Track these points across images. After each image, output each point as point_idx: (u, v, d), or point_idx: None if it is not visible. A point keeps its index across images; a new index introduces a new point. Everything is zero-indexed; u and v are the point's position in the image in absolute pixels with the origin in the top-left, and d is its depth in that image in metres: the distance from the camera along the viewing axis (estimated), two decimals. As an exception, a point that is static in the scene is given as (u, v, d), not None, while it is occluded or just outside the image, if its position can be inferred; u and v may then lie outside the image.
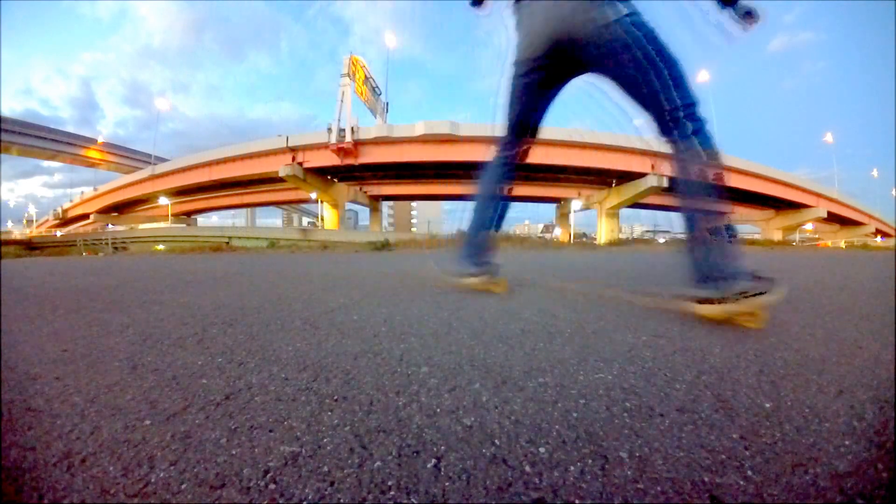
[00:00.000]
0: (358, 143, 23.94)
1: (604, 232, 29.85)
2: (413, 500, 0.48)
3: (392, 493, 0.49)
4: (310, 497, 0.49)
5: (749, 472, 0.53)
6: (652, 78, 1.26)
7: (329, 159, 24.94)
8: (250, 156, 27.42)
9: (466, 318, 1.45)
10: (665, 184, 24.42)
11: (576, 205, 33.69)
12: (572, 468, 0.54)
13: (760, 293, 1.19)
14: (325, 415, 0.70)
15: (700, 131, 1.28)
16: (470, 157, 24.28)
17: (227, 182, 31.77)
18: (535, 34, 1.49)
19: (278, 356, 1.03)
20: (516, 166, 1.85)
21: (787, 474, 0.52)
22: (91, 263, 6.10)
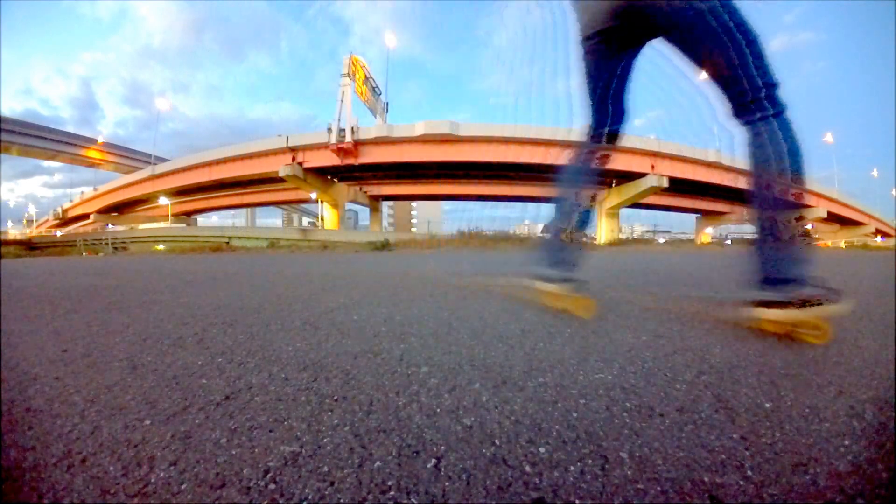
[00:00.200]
0: (358, 143, 23.94)
1: (604, 232, 29.85)
2: (413, 500, 0.48)
3: (392, 493, 0.49)
4: (310, 497, 0.49)
5: (749, 472, 0.53)
6: (729, 53, 1.13)
7: (329, 159, 24.93)
8: (250, 156, 27.42)
9: (466, 318, 1.45)
10: (665, 184, 24.45)
11: (576, 205, 33.62)
12: (572, 468, 0.54)
13: (826, 303, 1.08)
14: (325, 415, 0.70)
15: (780, 115, 1.15)
16: (470, 157, 24.28)
17: (227, 182, 31.77)
18: (599, 5, 1.36)
19: (278, 356, 1.03)
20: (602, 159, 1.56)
21: (787, 474, 0.52)
22: (91, 263, 6.10)
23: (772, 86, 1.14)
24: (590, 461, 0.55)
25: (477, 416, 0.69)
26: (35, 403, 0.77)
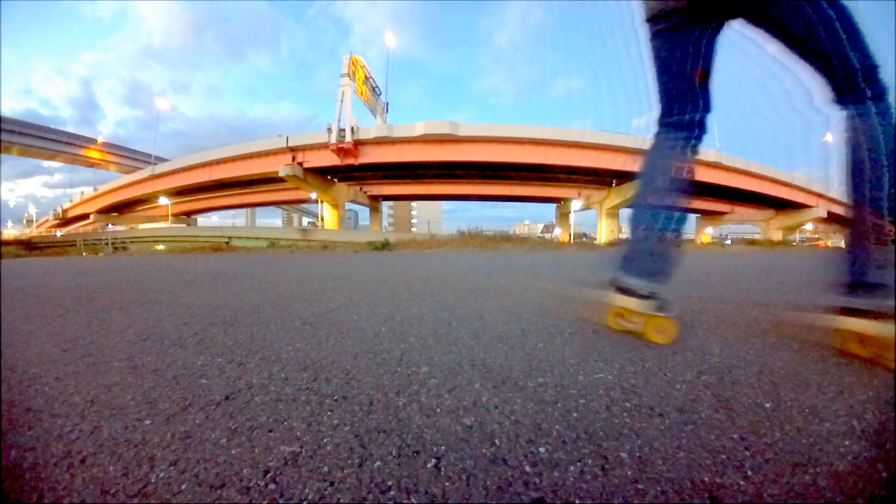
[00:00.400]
0: (358, 143, 23.93)
1: (604, 232, 29.86)
2: (413, 500, 0.48)
3: (392, 493, 0.49)
4: (310, 497, 0.49)
5: (749, 472, 0.53)
6: (821, 33, 1.02)
7: (329, 159, 24.93)
8: (250, 156, 27.42)
9: (466, 318, 1.45)
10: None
11: (576, 205, 33.70)
12: (572, 468, 0.54)
13: None
14: (325, 415, 0.70)
15: (882, 100, 1.04)
16: (470, 157, 24.28)
17: (227, 182, 31.77)
18: None
19: (278, 356, 1.03)
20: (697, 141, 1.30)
21: (787, 474, 0.52)
22: (91, 263, 6.10)
23: (871, 68, 1.03)
24: (590, 461, 0.55)
25: (477, 416, 0.69)
26: (35, 403, 0.77)
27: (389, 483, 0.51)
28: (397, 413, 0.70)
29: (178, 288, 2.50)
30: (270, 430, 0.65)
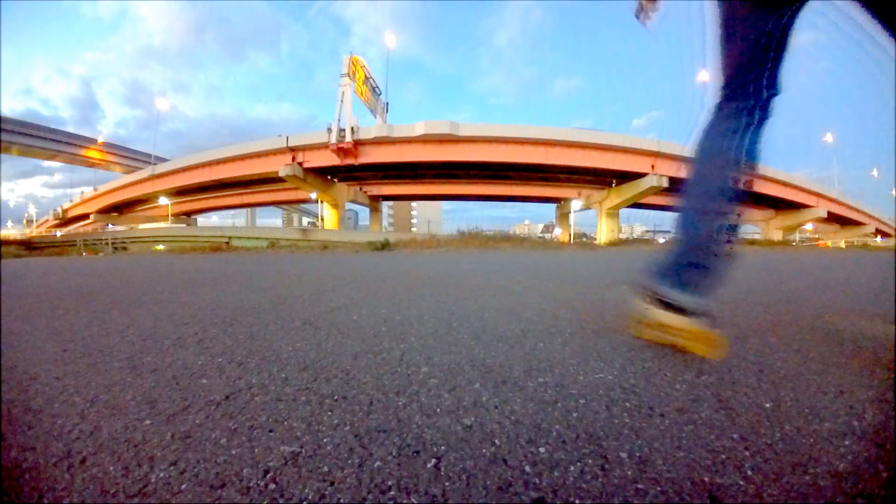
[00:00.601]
0: (358, 143, 23.93)
1: (604, 232, 29.86)
2: (413, 500, 0.48)
3: (392, 493, 0.49)
4: (310, 497, 0.49)
5: (749, 472, 0.53)
6: None
7: (329, 159, 24.92)
8: (250, 156, 27.42)
9: (466, 318, 1.45)
10: (665, 184, 24.45)
11: (576, 205, 33.69)
12: (572, 468, 0.54)
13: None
14: (325, 415, 0.70)
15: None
16: (470, 157, 24.27)
17: (227, 182, 31.76)
18: None
19: (278, 356, 1.03)
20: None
21: (787, 474, 0.52)
22: (91, 263, 6.10)
23: None
24: (590, 461, 0.55)
25: (477, 416, 0.69)
26: (35, 403, 0.77)
27: (389, 483, 0.51)
28: (397, 413, 0.70)
29: (178, 288, 2.50)
30: (270, 430, 0.65)
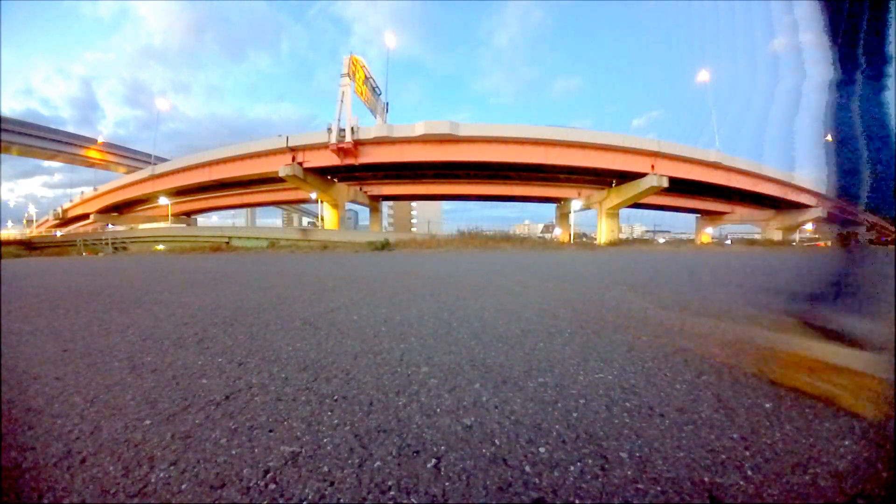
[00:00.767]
0: (358, 143, 23.91)
1: (604, 232, 29.86)
2: (413, 500, 0.48)
3: (392, 493, 0.49)
4: (310, 497, 0.49)
5: (749, 472, 0.53)
6: None
7: (329, 159, 24.91)
8: (250, 156, 27.41)
9: (466, 318, 1.45)
10: (665, 184, 24.46)
11: (576, 205, 33.68)
12: (572, 468, 0.54)
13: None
14: (325, 415, 0.70)
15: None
16: (470, 157, 24.26)
17: (227, 182, 31.74)
18: None
19: (278, 356, 1.03)
20: None
21: (787, 474, 0.52)
22: (91, 263, 6.10)
23: None
24: (590, 461, 0.55)
25: (477, 416, 0.69)
26: (35, 403, 0.77)
27: (389, 483, 0.51)
28: (397, 413, 0.70)
29: (178, 288, 2.50)
30: (270, 430, 0.65)
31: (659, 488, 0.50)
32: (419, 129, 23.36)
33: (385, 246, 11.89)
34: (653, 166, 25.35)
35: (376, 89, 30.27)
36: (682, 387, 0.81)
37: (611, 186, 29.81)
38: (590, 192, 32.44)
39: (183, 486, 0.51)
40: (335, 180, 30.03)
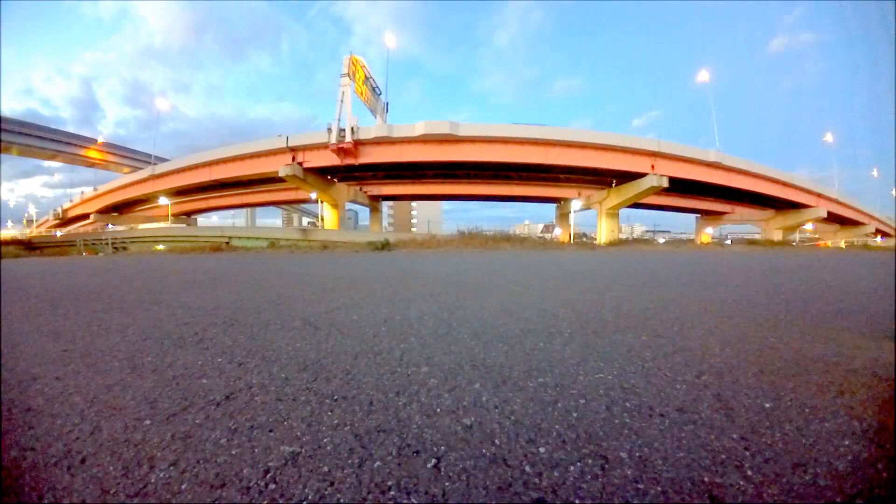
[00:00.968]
0: (358, 143, 23.90)
1: (604, 232, 29.85)
2: (413, 500, 0.48)
3: (392, 493, 0.49)
4: (310, 497, 0.49)
5: (749, 472, 0.53)
6: None
7: (329, 159, 24.89)
8: (250, 156, 27.38)
9: (466, 318, 1.45)
10: (665, 184, 24.45)
11: (576, 205, 33.66)
12: (572, 468, 0.54)
13: None
14: (325, 415, 0.70)
15: None
16: (470, 157, 24.26)
17: (227, 182, 31.70)
18: None
19: (278, 356, 1.03)
20: None
21: (787, 474, 0.52)
22: (91, 263, 6.10)
23: None
24: (590, 461, 0.55)
25: (477, 416, 0.69)
26: (35, 403, 0.77)
27: (389, 483, 0.51)
28: (397, 413, 0.70)
29: (178, 288, 2.50)
30: (270, 430, 0.65)
31: (659, 488, 0.50)
32: (419, 129, 23.36)
33: (385, 246, 11.89)
34: (653, 166, 25.36)
35: (376, 89, 30.25)
36: (682, 387, 0.81)
37: (611, 186, 29.80)
38: (590, 192, 32.43)
39: (183, 486, 0.51)
40: (335, 180, 30.02)
